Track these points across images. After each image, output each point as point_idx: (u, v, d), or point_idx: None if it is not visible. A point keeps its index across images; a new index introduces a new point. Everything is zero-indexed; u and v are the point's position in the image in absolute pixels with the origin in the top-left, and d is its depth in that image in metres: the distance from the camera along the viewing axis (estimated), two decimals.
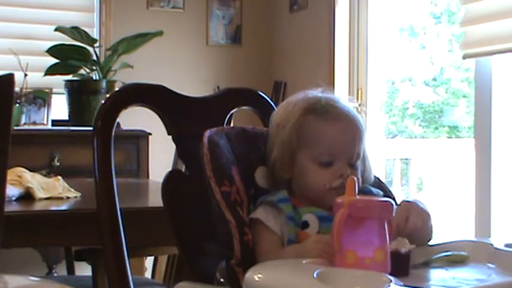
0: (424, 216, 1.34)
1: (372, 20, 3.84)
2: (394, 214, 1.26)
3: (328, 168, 1.39)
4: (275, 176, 1.43)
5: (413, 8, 5.33)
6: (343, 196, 1.20)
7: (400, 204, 1.36)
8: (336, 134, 1.40)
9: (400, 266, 1.21)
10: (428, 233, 1.37)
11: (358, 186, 1.42)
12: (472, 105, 5.37)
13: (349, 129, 1.41)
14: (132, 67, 3.83)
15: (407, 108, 6.01)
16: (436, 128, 5.90)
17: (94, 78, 3.83)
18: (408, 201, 1.37)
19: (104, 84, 3.77)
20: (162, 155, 3.10)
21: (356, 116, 1.44)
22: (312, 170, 1.39)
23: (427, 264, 1.28)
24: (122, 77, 3.72)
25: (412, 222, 1.31)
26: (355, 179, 1.21)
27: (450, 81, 5.81)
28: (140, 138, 3.70)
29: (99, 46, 3.94)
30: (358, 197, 1.20)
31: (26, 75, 3.67)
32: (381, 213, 1.18)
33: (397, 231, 1.28)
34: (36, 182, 2.22)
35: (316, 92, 1.45)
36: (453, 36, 5.26)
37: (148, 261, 3.05)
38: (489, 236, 2.84)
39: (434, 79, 5.89)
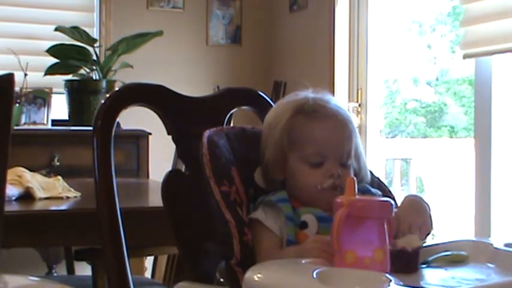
0: (425, 228, 1.34)
1: (372, 20, 3.84)
2: (397, 223, 1.27)
3: (318, 169, 1.38)
4: (269, 177, 1.43)
5: (419, 6, 5.33)
6: (342, 196, 1.20)
7: (401, 210, 1.35)
8: (324, 133, 1.40)
9: (407, 263, 1.22)
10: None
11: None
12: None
13: (337, 129, 1.41)
14: (132, 67, 3.83)
15: (408, 108, 6.01)
16: (439, 128, 5.90)
17: (94, 78, 3.83)
18: (410, 208, 1.36)
19: (103, 84, 3.77)
20: (162, 155, 3.10)
21: (346, 115, 1.44)
22: (302, 171, 1.39)
23: (427, 264, 1.28)
24: (122, 77, 3.72)
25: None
26: (355, 178, 1.21)
27: (452, 81, 5.81)
28: (140, 138, 3.70)
29: (99, 46, 3.94)
30: (357, 196, 1.20)
31: (26, 75, 3.67)
32: (380, 213, 1.18)
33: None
34: (36, 181, 2.22)
35: (306, 92, 1.45)
36: (457, 37, 5.26)
37: (148, 261, 3.05)
38: (489, 236, 2.84)
39: (437, 79, 5.89)
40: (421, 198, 1.41)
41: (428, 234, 1.36)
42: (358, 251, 1.15)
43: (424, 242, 1.31)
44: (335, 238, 1.15)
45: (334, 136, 1.40)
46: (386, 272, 1.13)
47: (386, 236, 1.18)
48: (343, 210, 1.16)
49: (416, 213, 1.35)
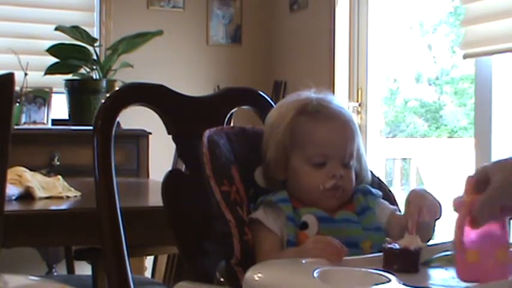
0: (434, 210, 1.34)
1: (372, 20, 3.84)
2: (407, 206, 1.28)
3: (321, 169, 1.38)
4: (270, 177, 1.43)
5: (420, 6, 5.32)
6: (463, 196, 1.17)
7: (410, 196, 1.35)
8: (327, 134, 1.40)
9: (409, 263, 1.22)
10: (431, 229, 1.37)
11: (355, 185, 1.42)
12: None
13: (340, 129, 1.41)
14: (132, 66, 3.84)
15: (408, 108, 6.01)
16: (437, 128, 5.90)
17: (94, 77, 3.83)
18: (419, 193, 1.36)
19: (104, 83, 3.77)
20: (162, 155, 3.10)
21: (348, 115, 1.44)
22: (305, 171, 1.39)
23: (427, 264, 1.28)
24: (122, 77, 3.72)
25: (423, 217, 1.30)
26: (474, 178, 1.18)
27: (454, 80, 5.81)
28: (140, 137, 3.70)
29: (99, 45, 3.94)
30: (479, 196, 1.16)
31: (26, 74, 3.67)
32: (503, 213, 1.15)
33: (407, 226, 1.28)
34: (36, 181, 2.22)
35: (309, 93, 1.45)
36: (457, 37, 5.26)
37: (148, 260, 3.05)
38: None
39: (437, 78, 5.89)
40: (426, 194, 1.40)
41: (438, 218, 1.35)
42: (480, 251, 1.13)
43: (431, 239, 1.31)
44: (457, 238, 1.13)
45: (337, 137, 1.40)
46: (510, 275, 1.12)
47: (508, 236, 1.15)
48: (465, 210, 1.14)
49: (426, 197, 1.34)
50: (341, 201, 1.40)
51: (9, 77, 1.72)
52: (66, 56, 3.75)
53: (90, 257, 2.43)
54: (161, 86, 1.60)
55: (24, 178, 2.18)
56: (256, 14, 4.55)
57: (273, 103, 1.65)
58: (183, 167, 1.59)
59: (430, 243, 1.37)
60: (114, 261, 1.50)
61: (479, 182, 1.18)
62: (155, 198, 1.88)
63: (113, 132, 1.52)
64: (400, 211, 1.45)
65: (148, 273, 3.06)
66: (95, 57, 3.81)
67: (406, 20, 5.38)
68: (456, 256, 1.15)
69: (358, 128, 1.46)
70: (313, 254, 1.22)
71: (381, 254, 1.25)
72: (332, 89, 3.82)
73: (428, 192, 1.36)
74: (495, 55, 2.83)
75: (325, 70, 3.94)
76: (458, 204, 1.16)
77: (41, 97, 3.84)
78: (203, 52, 4.44)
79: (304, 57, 4.20)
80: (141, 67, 3.97)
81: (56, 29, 3.79)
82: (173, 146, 1.60)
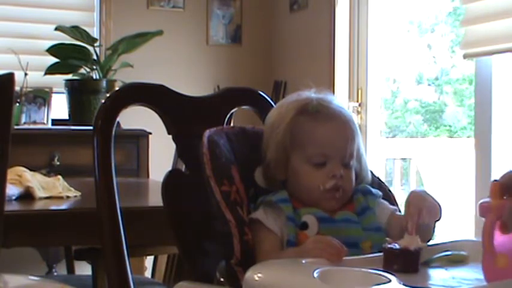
0: (434, 212, 1.33)
1: (372, 20, 3.84)
2: (407, 208, 1.28)
3: (321, 169, 1.39)
4: (270, 177, 1.43)
5: (420, 6, 5.32)
6: (490, 200, 1.15)
7: (410, 197, 1.35)
8: (327, 134, 1.40)
9: (409, 263, 1.22)
10: (431, 230, 1.37)
11: (355, 185, 1.43)
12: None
13: (341, 129, 1.41)
14: (132, 66, 3.83)
15: (408, 108, 6.01)
16: (437, 127, 5.90)
17: (94, 77, 3.83)
18: (419, 194, 1.35)
19: (104, 83, 3.77)
20: (162, 155, 3.10)
21: (348, 115, 1.45)
22: (305, 171, 1.39)
23: (427, 264, 1.28)
24: (122, 77, 3.72)
25: (422, 218, 1.30)
26: (500, 182, 1.16)
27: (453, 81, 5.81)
28: (140, 137, 3.70)
29: (99, 45, 3.94)
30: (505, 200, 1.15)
31: (26, 74, 3.67)
32: None
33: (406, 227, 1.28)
34: (36, 181, 2.22)
35: (309, 93, 1.45)
36: (457, 37, 5.26)
37: (148, 260, 3.05)
38: None
39: (436, 78, 5.89)
40: (426, 196, 1.40)
41: (438, 220, 1.35)
42: (510, 256, 1.11)
43: (430, 240, 1.31)
44: (487, 242, 1.12)
45: (337, 137, 1.41)
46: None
47: None
48: (493, 214, 1.12)
49: (426, 199, 1.34)
50: (341, 202, 1.40)
51: (9, 77, 1.72)
52: (66, 56, 3.75)
53: (90, 257, 2.43)
54: (161, 86, 1.60)
55: (24, 178, 2.18)
56: (256, 14, 4.55)
57: (273, 103, 1.65)
58: (183, 167, 1.59)
59: (430, 243, 1.37)
60: (114, 261, 1.50)
61: (504, 186, 1.16)
62: (155, 198, 1.88)
63: (113, 132, 1.52)
64: (400, 211, 1.45)
65: (148, 273, 3.06)
66: (95, 57, 3.81)
67: (406, 19, 5.38)
68: (484, 260, 1.14)
69: (358, 128, 1.46)
70: (313, 254, 1.22)
71: (380, 254, 1.25)
72: (332, 89, 3.82)
73: (428, 194, 1.36)
74: (495, 55, 2.83)
75: (325, 70, 3.94)
76: (484, 209, 1.15)
77: (41, 97, 3.84)
78: (203, 52, 4.44)
79: (304, 57, 4.20)
80: (141, 67, 3.96)
81: (56, 29, 3.79)
82: (173, 146, 1.60)
